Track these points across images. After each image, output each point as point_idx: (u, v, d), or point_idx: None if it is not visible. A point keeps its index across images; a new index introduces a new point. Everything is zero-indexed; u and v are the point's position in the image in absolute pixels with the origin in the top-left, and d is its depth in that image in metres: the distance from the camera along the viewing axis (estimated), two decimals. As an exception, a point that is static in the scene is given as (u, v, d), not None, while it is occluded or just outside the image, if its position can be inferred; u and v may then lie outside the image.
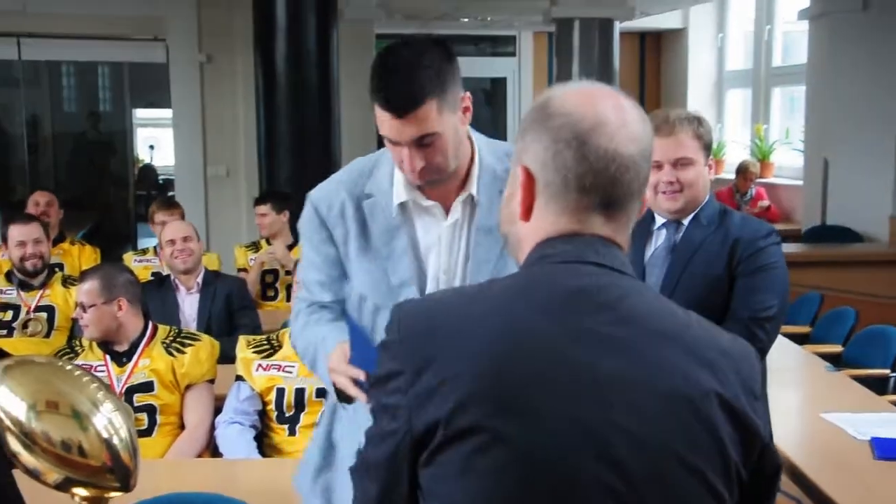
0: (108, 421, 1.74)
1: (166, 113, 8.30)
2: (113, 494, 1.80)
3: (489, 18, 9.14)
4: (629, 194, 1.20)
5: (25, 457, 1.68)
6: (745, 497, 1.19)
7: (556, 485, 1.12)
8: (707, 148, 2.56)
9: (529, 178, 1.22)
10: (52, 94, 13.87)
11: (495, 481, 1.11)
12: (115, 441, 1.73)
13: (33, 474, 1.72)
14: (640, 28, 10.15)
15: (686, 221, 2.58)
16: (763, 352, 2.45)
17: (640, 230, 2.63)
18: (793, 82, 8.81)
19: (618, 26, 7.72)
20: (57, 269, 4.61)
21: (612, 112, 1.20)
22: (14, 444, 1.68)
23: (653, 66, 10.91)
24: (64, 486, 1.72)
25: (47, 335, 4.23)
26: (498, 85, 10.94)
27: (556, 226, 1.21)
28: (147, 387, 3.15)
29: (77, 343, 3.33)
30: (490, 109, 11.10)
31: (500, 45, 10.43)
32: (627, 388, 1.13)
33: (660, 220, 2.61)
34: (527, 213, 1.23)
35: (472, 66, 9.83)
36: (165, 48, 7.56)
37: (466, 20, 9.24)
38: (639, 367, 1.14)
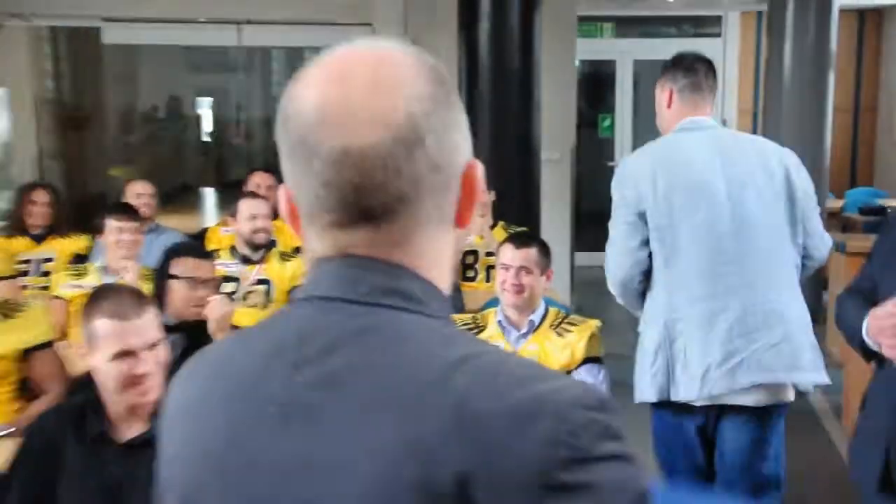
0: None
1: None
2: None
3: (695, -3, 8.89)
4: (394, 198, 0.87)
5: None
6: None
7: None
8: None
9: (286, 196, 0.95)
10: (263, 78, 14.56)
11: None
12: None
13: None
14: (860, 4, 9.56)
15: None
16: None
17: None
18: None
19: (836, 2, 7.23)
20: (273, 246, 4.85)
21: (341, 94, 0.87)
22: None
23: (871, 47, 10.20)
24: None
25: (265, 306, 4.42)
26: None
27: (320, 248, 0.92)
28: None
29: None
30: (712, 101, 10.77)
31: (705, 26, 10.09)
32: (312, 479, 0.83)
33: None
34: (299, 232, 0.96)
35: (674, 48, 9.58)
36: (372, 32, 7.76)
37: (671, 0, 9.02)
38: (330, 449, 0.83)
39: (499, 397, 0.80)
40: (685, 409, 2.99)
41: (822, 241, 3.15)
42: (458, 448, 0.78)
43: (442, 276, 0.93)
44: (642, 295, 3.10)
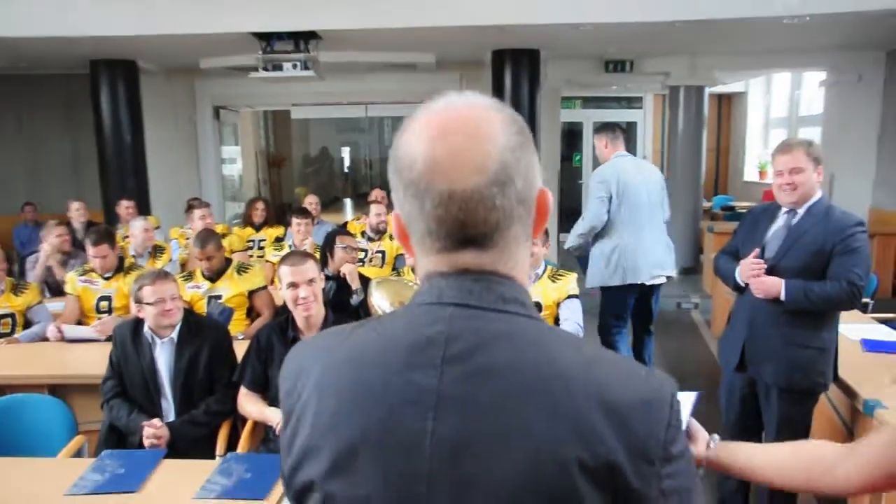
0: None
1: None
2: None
3: (627, 85, 8.70)
4: (492, 227, 0.65)
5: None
6: None
7: None
8: (815, 161, 2.21)
9: (398, 222, 0.70)
10: (379, 135, 14.58)
11: None
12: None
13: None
14: (720, 92, 9.42)
15: (801, 211, 2.26)
16: (858, 292, 2.17)
17: (768, 213, 2.37)
18: (813, 124, 7.83)
19: (707, 90, 7.14)
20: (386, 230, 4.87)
21: (446, 147, 0.64)
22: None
23: (726, 115, 10.13)
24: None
25: (381, 266, 4.43)
26: (630, 127, 10.38)
27: (429, 264, 0.68)
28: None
29: (400, 270, 3.51)
30: (625, 144, 10.60)
31: (633, 102, 9.88)
32: (467, 460, 0.60)
33: (785, 208, 2.31)
34: (409, 250, 0.71)
35: (614, 115, 9.50)
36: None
37: (615, 87, 8.86)
38: (482, 433, 0.61)
39: (630, 391, 0.63)
40: (626, 288, 3.66)
41: (666, 213, 3.77)
42: (610, 430, 0.61)
43: (527, 282, 0.70)
44: (592, 239, 3.71)
